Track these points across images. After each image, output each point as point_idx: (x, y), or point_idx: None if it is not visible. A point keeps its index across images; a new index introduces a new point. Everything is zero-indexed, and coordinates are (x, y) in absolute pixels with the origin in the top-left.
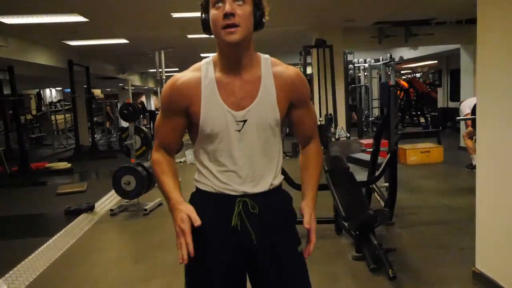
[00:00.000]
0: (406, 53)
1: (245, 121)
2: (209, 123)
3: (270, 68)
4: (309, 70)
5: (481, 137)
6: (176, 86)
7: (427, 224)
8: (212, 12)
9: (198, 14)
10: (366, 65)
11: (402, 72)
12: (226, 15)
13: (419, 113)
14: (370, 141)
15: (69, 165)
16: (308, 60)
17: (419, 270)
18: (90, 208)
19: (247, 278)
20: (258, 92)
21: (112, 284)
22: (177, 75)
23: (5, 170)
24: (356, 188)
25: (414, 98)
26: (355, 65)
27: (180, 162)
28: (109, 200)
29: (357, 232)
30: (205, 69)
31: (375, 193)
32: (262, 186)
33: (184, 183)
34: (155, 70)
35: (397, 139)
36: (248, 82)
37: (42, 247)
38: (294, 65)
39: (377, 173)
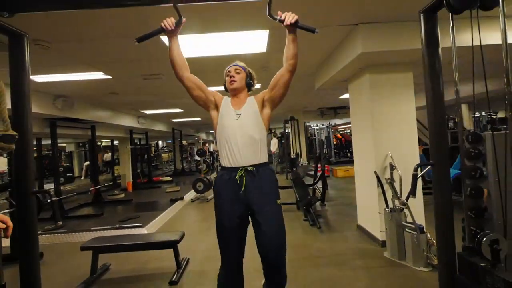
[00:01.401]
0: (338, 121)
1: (240, 114)
2: (224, 114)
3: (253, 97)
4: (288, 130)
5: (357, 168)
6: (217, 92)
7: (341, 205)
8: (226, 79)
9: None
10: (317, 127)
11: (338, 130)
12: (230, 77)
13: (347, 151)
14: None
15: (170, 178)
16: (288, 125)
17: (333, 225)
18: (181, 199)
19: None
20: (246, 102)
21: (193, 230)
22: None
23: (141, 181)
24: (305, 187)
25: (345, 144)
26: (311, 127)
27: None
28: (190, 194)
29: (304, 208)
30: (226, 97)
31: (317, 190)
32: (255, 161)
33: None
34: (211, 131)
35: (324, 163)
36: (242, 100)
37: (161, 215)
38: (280, 128)
39: (315, 181)
